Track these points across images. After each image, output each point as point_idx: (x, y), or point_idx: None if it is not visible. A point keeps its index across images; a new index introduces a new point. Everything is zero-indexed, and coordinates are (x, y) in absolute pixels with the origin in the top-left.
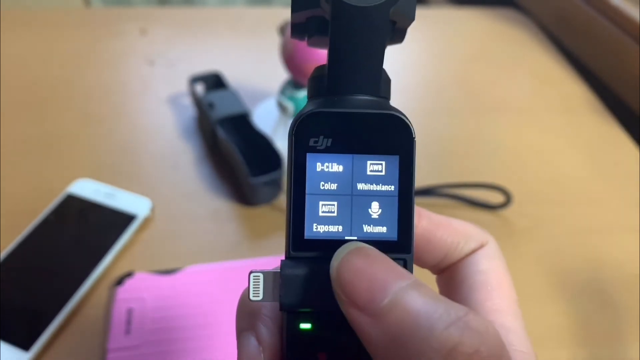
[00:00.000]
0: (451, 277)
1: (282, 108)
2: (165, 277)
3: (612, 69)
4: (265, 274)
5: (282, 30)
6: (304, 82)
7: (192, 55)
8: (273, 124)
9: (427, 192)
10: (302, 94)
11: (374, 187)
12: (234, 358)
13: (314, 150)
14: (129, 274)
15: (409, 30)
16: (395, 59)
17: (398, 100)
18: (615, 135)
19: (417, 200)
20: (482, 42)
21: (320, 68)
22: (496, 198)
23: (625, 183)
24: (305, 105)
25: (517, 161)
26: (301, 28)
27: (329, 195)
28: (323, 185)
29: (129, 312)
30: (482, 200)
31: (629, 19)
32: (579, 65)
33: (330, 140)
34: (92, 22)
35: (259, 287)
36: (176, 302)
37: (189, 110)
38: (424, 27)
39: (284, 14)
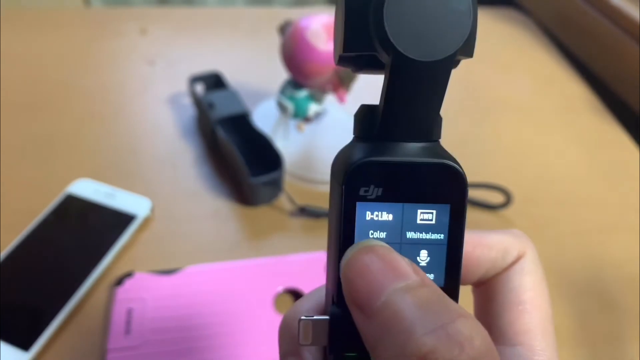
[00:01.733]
0: (486, 293)
1: (282, 108)
2: (165, 277)
3: (613, 69)
4: (314, 321)
5: (282, 30)
6: (303, 82)
7: (192, 55)
8: (273, 124)
9: None
10: (302, 93)
11: (423, 235)
12: (234, 358)
13: (364, 199)
14: (128, 274)
15: None
16: None
17: None
18: (615, 135)
19: None
20: (483, 42)
21: (367, 108)
22: (496, 198)
23: (625, 183)
24: (352, 148)
25: (517, 161)
26: (349, 61)
27: None
28: (372, 234)
29: (129, 312)
30: (483, 200)
31: (629, 18)
32: (579, 65)
33: (381, 189)
34: (92, 22)
35: (308, 334)
36: (176, 303)
37: (189, 110)
38: None
39: (284, 13)
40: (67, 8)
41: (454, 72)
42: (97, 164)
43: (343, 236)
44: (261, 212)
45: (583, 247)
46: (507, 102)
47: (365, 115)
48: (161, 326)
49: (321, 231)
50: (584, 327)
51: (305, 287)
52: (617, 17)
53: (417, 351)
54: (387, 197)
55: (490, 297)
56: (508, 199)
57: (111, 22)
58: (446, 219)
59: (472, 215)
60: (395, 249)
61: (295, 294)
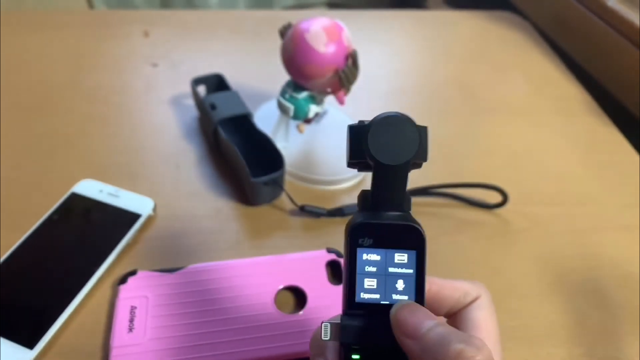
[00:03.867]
0: (455, 322)
1: (282, 109)
2: (168, 276)
3: (609, 71)
4: (332, 324)
5: (283, 32)
6: (303, 84)
7: (194, 57)
8: (274, 124)
9: (425, 192)
10: (302, 95)
11: (399, 270)
12: (236, 355)
13: (361, 246)
14: (132, 273)
15: (408, 32)
16: (395, 61)
17: (398, 101)
18: (612, 135)
19: (415, 200)
20: (480, 44)
21: (364, 192)
22: (493, 198)
23: (622, 183)
24: (357, 215)
25: (513, 161)
26: (354, 165)
27: (370, 275)
28: (367, 269)
29: (132, 310)
30: (479, 200)
31: (625, 21)
32: (575, 67)
33: (371, 240)
34: (95, 24)
35: (327, 332)
36: (178, 300)
37: (191, 111)
38: (422, 29)
39: (285, 16)
40: (70, 10)
41: (452, 74)
42: (101, 165)
43: (350, 269)
44: (262, 212)
45: (579, 246)
46: (504, 104)
47: (363, 197)
48: (164, 324)
49: (321, 230)
50: (580, 326)
51: (306, 285)
52: (614, 20)
53: (454, 352)
54: (375, 245)
55: (459, 325)
56: (505, 199)
57: (114, 24)
58: (414, 260)
59: (469, 214)
60: (382, 278)
61: (296, 292)
